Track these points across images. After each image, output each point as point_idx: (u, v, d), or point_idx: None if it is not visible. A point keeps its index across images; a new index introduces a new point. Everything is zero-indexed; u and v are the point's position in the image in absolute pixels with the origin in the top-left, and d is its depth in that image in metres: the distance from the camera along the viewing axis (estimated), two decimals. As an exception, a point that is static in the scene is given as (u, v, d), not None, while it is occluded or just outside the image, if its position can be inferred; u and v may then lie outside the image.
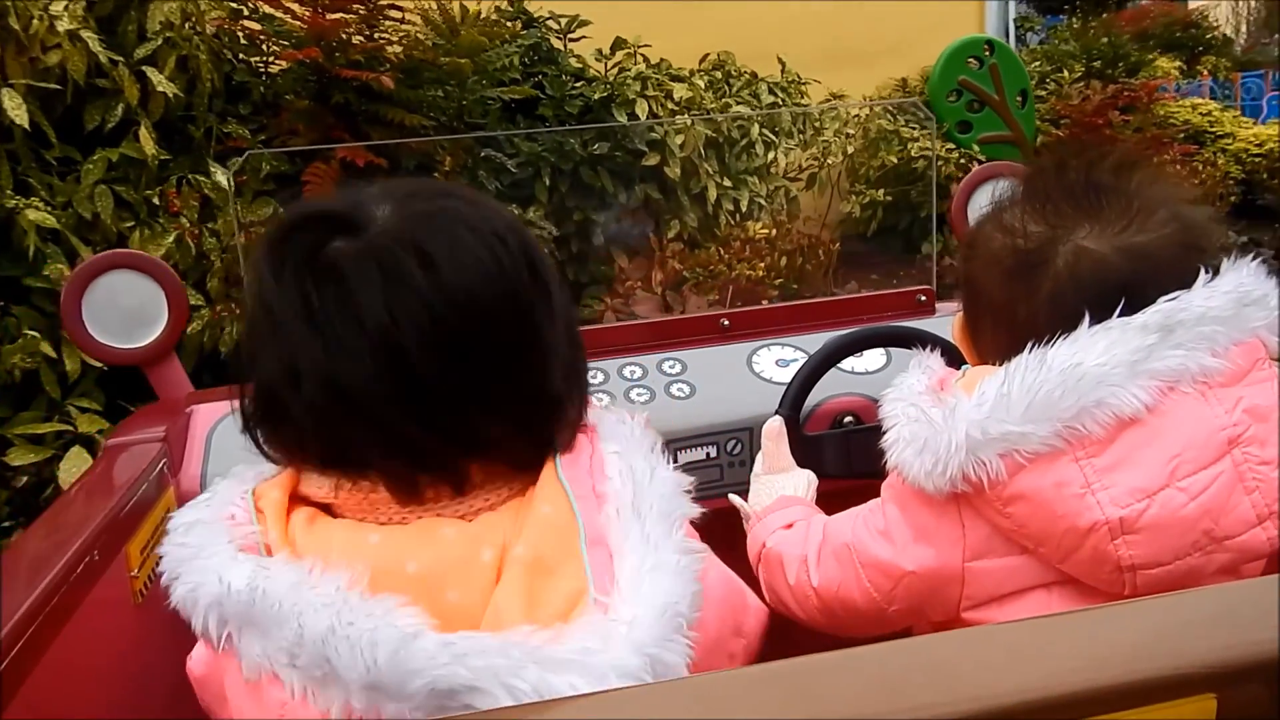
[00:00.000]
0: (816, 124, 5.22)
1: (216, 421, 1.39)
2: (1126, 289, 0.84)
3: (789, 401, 1.36)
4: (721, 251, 4.52)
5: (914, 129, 5.96)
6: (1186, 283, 0.84)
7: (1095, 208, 0.88)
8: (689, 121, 4.32)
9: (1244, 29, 12.12)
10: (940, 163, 5.68)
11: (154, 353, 1.46)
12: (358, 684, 0.65)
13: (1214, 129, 6.57)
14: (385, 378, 0.71)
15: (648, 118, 4.19)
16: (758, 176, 4.71)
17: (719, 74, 4.87)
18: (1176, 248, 0.87)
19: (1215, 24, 9.70)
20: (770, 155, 4.74)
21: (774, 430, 1.27)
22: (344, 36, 3.13)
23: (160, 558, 0.78)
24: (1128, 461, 0.81)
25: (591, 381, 1.60)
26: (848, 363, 1.51)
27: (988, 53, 5.88)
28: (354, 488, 0.74)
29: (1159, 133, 6.24)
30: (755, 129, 4.66)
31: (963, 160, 5.75)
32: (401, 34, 3.17)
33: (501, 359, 0.74)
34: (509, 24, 3.39)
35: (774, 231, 4.77)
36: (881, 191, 5.69)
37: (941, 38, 7.07)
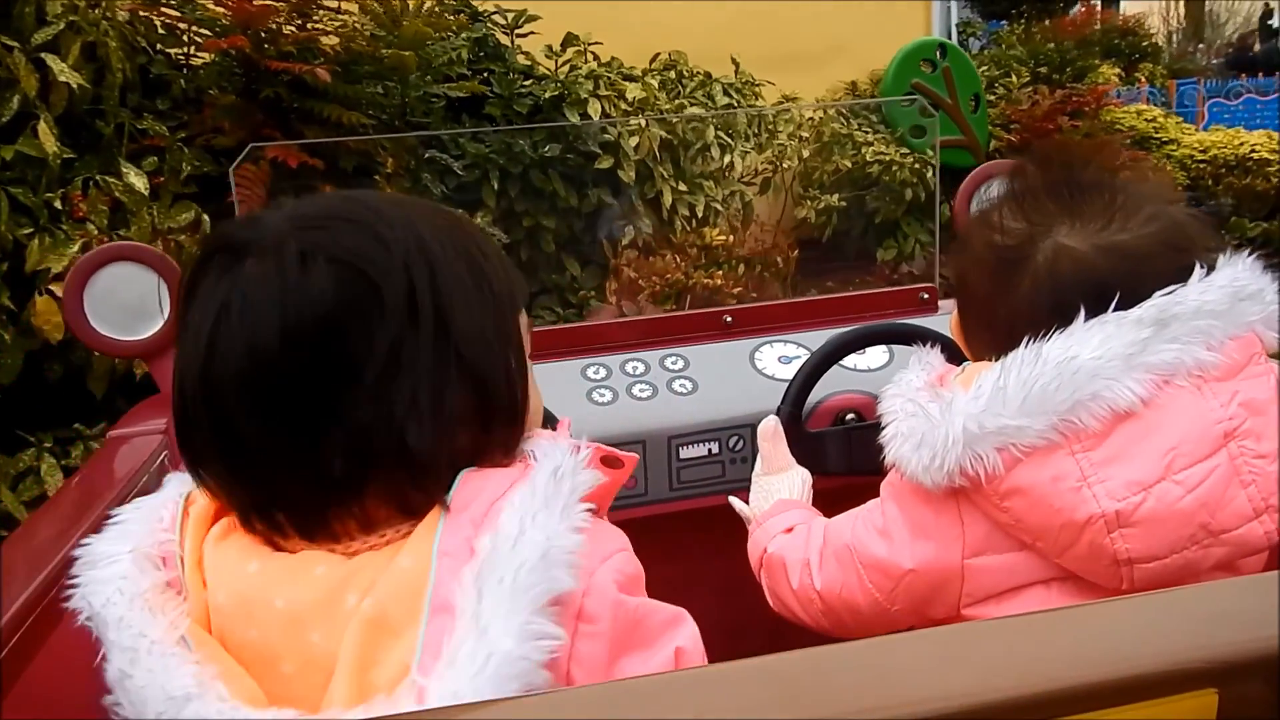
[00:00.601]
0: (771, 126, 5.05)
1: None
2: (1105, 287, 0.84)
3: (791, 398, 1.35)
4: (678, 259, 4.33)
5: (867, 133, 5.84)
6: (1168, 282, 0.84)
7: (1077, 205, 0.88)
8: (643, 123, 4.11)
9: (1174, 38, 12.34)
10: (895, 167, 5.57)
11: (156, 345, 1.44)
12: None
13: (1159, 135, 6.57)
14: (246, 387, 0.67)
15: (600, 118, 3.96)
16: (714, 181, 4.52)
17: (671, 74, 4.66)
18: (1159, 247, 0.86)
19: (1151, 31, 9.81)
20: (726, 159, 4.55)
21: (769, 430, 1.24)
22: (274, 26, 2.84)
23: None
24: (1124, 455, 0.81)
25: (594, 378, 1.51)
26: (850, 360, 1.50)
27: (940, 56, 5.79)
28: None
29: (1108, 138, 6.20)
30: (711, 131, 4.47)
31: (917, 165, 5.65)
32: (338, 24, 2.90)
33: (383, 374, 0.67)
34: (453, 17, 3.14)
35: (731, 238, 4.59)
36: (836, 196, 5.56)
37: (888, 41, 6.98)
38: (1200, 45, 13.28)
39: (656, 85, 4.37)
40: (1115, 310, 0.84)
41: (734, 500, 1.26)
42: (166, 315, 1.42)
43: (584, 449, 0.72)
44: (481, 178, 3.62)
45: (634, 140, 4.09)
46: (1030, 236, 0.89)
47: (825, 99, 6.47)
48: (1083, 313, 0.84)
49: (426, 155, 3.47)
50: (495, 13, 4.11)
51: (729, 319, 1.66)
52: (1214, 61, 12.72)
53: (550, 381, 1.42)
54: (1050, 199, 0.90)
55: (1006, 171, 1.60)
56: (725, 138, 4.59)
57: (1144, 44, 9.23)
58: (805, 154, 5.27)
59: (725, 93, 4.67)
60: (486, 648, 0.61)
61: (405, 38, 2.85)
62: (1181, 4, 12.56)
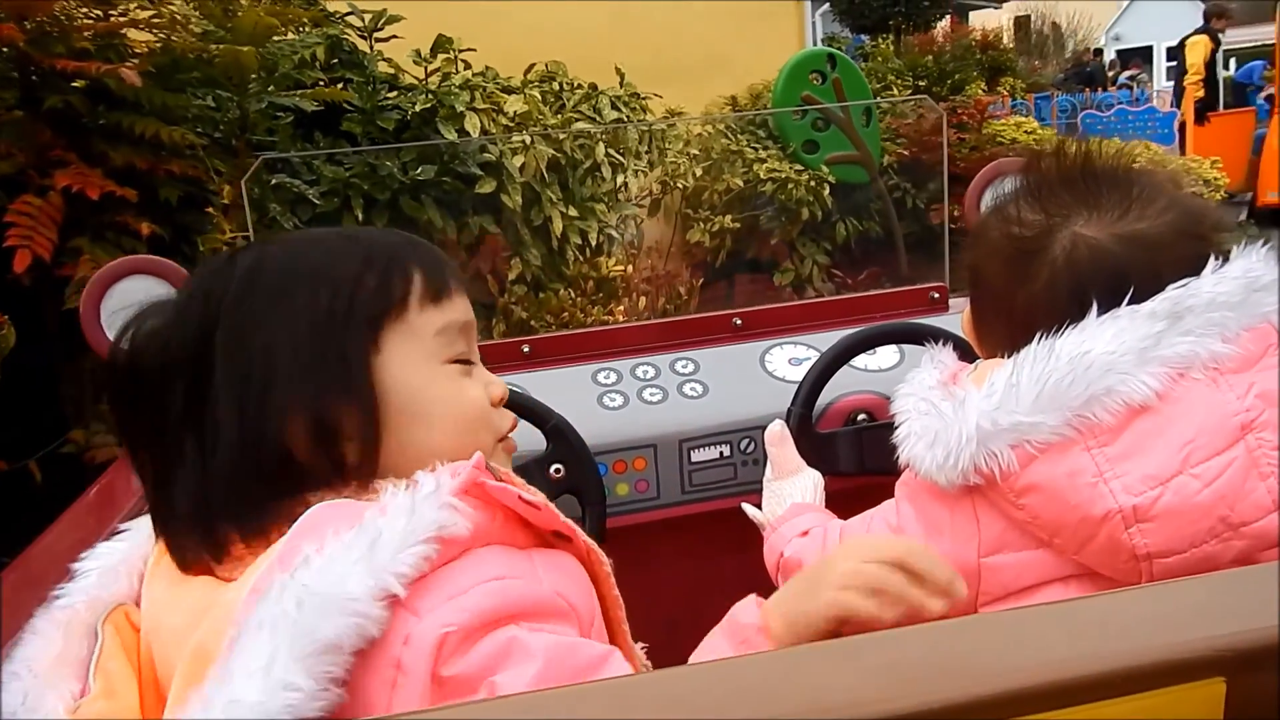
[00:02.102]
0: (661, 144, 4.61)
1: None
2: (1124, 277, 0.84)
3: (801, 399, 1.36)
4: (573, 294, 3.81)
5: (757, 149, 5.48)
6: (1186, 271, 0.84)
7: (1093, 196, 0.88)
8: (528, 139, 3.58)
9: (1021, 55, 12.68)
10: (790, 185, 5.22)
11: None
12: None
13: (1040, 146, 6.48)
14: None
15: (480, 135, 3.41)
16: (605, 204, 4.03)
17: (551, 86, 4.15)
18: (1176, 235, 0.86)
19: (1009, 47, 9.94)
20: (619, 179, 4.06)
21: (776, 435, 1.26)
22: (61, 17, 2.17)
23: None
24: (1140, 449, 0.81)
25: (605, 382, 1.51)
26: (860, 360, 1.50)
27: (830, 67, 5.48)
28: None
29: (996, 150, 6.05)
30: (601, 148, 3.97)
31: (813, 182, 5.33)
32: (151, 13, 2.24)
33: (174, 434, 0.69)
34: (304, 9, 2.53)
35: (629, 268, 4.10)
36: (729, 217, 5.17)
37: (766, 54, 6.69)
38: (1038, 61, 13.73)
39: (539, 100, 3.85)
40: (1130, 302, 0.83)
41: (747, 507, 1.24)
42: None
43: (445, 483, 0.65)
44: (342, 206, 3.01)
45: (518, 160, 3.55)
46: (1047, 228, 0.88)
47: (704, 114, 6.09)
48: (1095, 306, 0.84)
49: (274, 181, 2.84)
50: (350, 13, 3.50)
51: (738, 321, 1.65)
52: (1058, 77, 13.15)
53: (561, 387, 1.45)
54: (1066, 190, 0.89)
55: (1016, 170, 1.65)
56: (616, 155, 4.10)
57: (1004, 59, 9.32)
58: (698, 172, 4.85)
59: (613, 106, 4.18)
60: (229, 694, 0.58)
61: (242, 32, 2.22)
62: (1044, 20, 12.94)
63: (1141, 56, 18.80)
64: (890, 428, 0.94)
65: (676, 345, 1.60)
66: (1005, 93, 8.82)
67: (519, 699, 0.55)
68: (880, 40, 8.44)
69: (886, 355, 1.56)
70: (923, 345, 1.09)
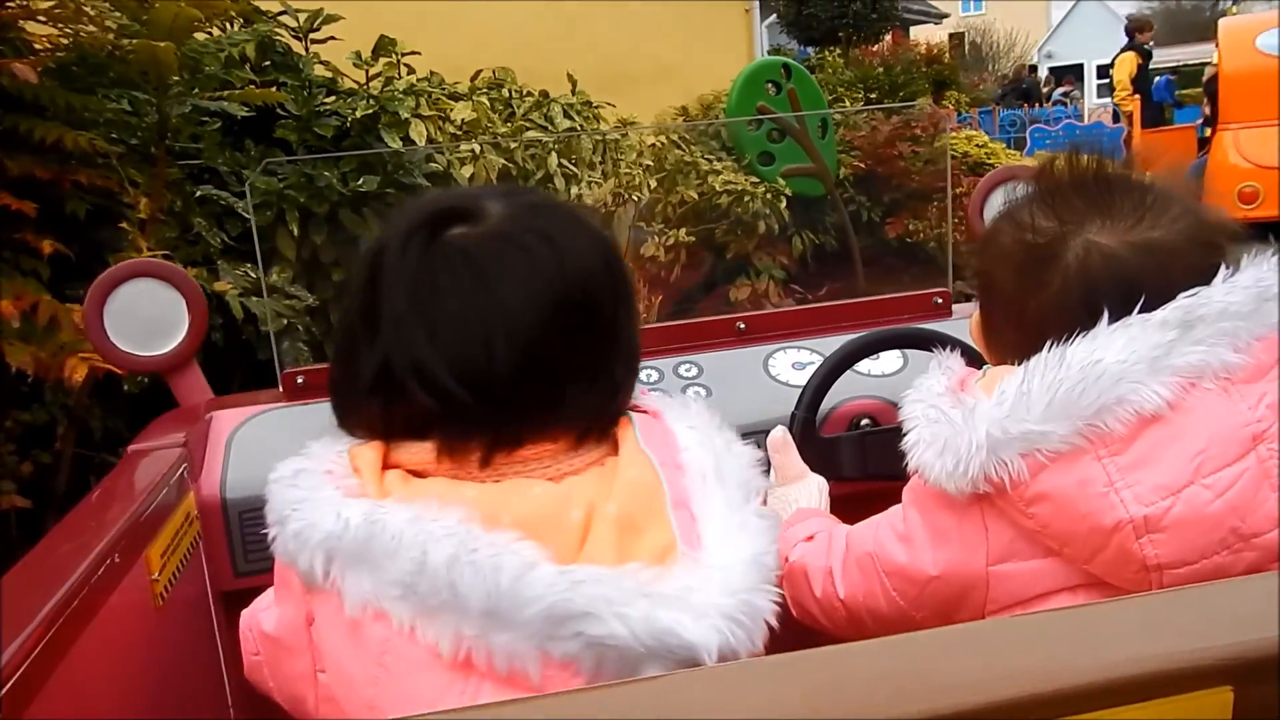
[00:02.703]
0: (615, 154, 4.41)
1: (236, 427, 1.40)
2: (1137, 284, 0.84)
3: (806, 403, 1.36)
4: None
5: (711, 160, 5.31)
6: (1199, 279, 0.84)
7: (1107, 203, 0.88)
8: (477, 148, 3.36)
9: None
10: (747, 198, 5.05)
11: (175, 360, 1.47)
12: (478, 610, 0.69)
13: (991, 160, 6.43)
14: (497, 355, 0.76)
15: (426, 144, 3.18)
16: (559, 217, 3.82)
17: (500, 93, 3.93)
18: (1190, 244, 0.86)
19: (953, 61, 9.97)
20: (573, 190, 3.86)
21: (778, 441, 1.26)
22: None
23: (190, 549, 1.14)
24: (1151, 459, 0.81)
25: None
26: (864, 365, 1.50)
27: (785, 77, 5.34)
28: (450, 452, 0.78)
29: (951, 164, 5.97)
30: (553, 158, 3.76)
31: (769, 195, 5.18)
32: (53, 3, 1.97)
33: (596, 338, 0.81)
34: (229, 1, 2.27)
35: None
36: (683, 230, 4.99)
37: (715, 64, 6.55)
38: (977, 76, 13.87)
39: (488, 107, 3.62)
40: (1142, 310, 0.83)
41: None
42: (187, 330, 1.45)
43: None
44: (276, 220, 2.75)
45: (467, 170, 3.33)
46: (1061, 234, 0.88)
47: (655, 125, 5.91)
48: (1106, 315, 0.83)
49: (197, 194, 2.57)
50: (283, 12, 3.24)
51: (742, 325, 1.65)
52: (996, 92, 13.28)
53: (565, 390, 1.52)
54: (1079, 196, 0.89)
55: (1020, 176, 1.62)
56: (569, 166, 3.89)
57: (947, 73, 9.33)
58: (652, 184, 4.66)
59: (566, 114, 3.98)
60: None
61: (159, 26, 1.97)
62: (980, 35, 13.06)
63: (1073, 74, 19.21)
64: (894, 433, 0.95)
65: (680, 349, 1.58)
66: (951, 106, 8.81)
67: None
68: (827, 52, 8.37)
69: (890, 360, 1.55)
70: (927, 351, 1.11)
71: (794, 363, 1.57)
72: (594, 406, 0.80)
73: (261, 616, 0.87)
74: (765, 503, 0.84)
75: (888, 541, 0.96)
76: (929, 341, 1.34)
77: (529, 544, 0.71)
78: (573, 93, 4.17)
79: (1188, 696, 0.54)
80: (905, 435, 0.91)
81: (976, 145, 6.51)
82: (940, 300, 1.71)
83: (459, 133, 3.40)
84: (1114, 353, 0.81)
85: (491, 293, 0.76)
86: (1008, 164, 1.89)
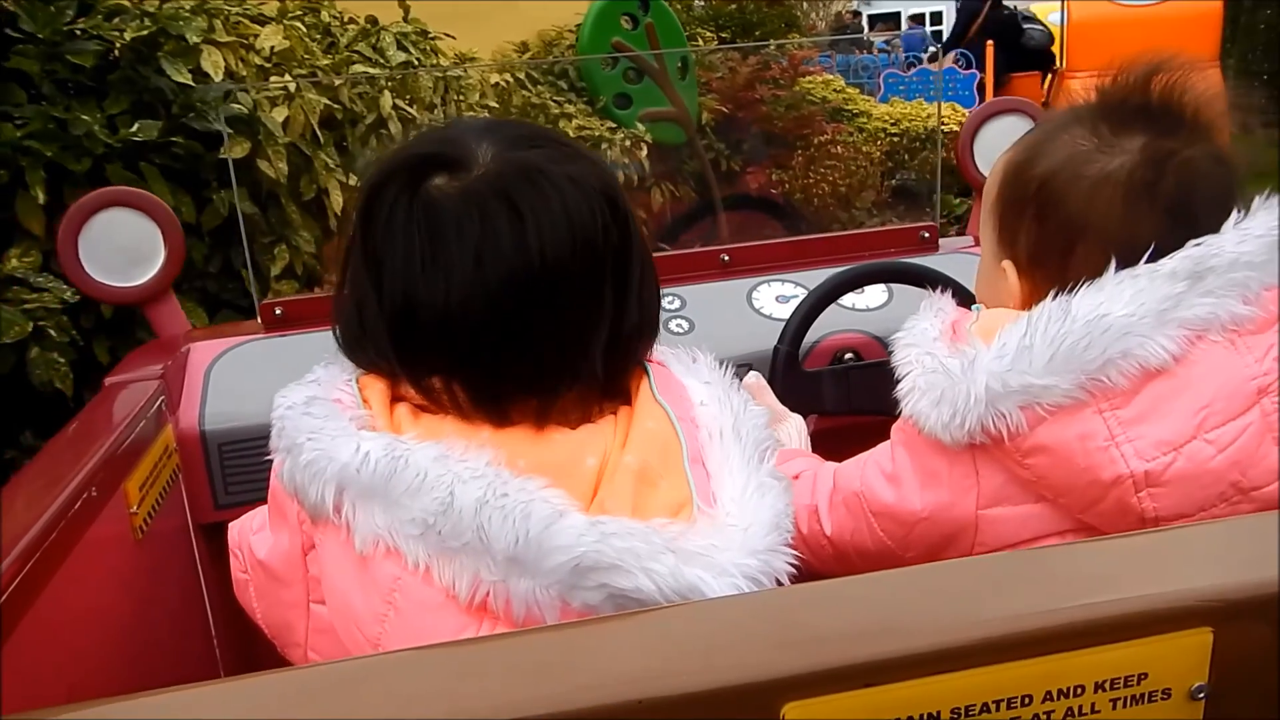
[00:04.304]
0: (457, 96, 3.76)
1: (214, 359, 1.39)
2: (1226, 196, 0.84)
3: (789, 336, 1.35)
4: (360, 289, 2.96)
5: (560, 102, 4.73)
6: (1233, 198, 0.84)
7: (1175, 118, 0.86)
8: (292, 86, 2.67)
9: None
10: (605, 146, 4.51)
11: (151, 291, 1.46)
12: (502, 555, 0.67)
13: (849, 106, 6.13)
14: (474, 314, 0.74)
15: (224, 78, 2.47)
16: (396, 171, 3.17)
17: (318, 18, 3.21)
18: (1233, 161, 0.87)
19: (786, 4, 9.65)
20: (411, 137, 3.21)
21: (753, 386, 1.25)
22: None
23: (169, 482, 1.14)
24: (1154, 413, 0.79)
25: None
26: (848, 299, 1.49)
27: (642, 10, 4.79)
28: (454, 398, 0.77)
29: (814, 109, 5.62)
30: (387, 99, 3.10)
31: (627, 143, 4.66)
32: None
33: (582, 302, 0.77)
34: None
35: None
36: (535, 184, 4.40)
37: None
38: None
39: (304, 33, 2.92)
40: (1147, 260, 0.81)
41: None
42: (164, 261, 1.43)
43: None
44: (12, 182, 2.01)
45: (280, 113, 2.63)
46: (1157, 153, 0.85)
47: (497, 62, 5.25)
48: (1114, 263, 0.82)
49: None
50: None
51: (726, 258, 1.64)
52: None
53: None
54: (1144, 114, 0.87)
55: (1012, 109, 1.71)
56: (406, 108, 3.24)
57: (792, 14, 9.01)
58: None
59: (400, 46, 3.30)
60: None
61: None
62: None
63: (890, 21, 19.44)
64: (878, 367, 1.02)
65: (663, 281, 1.64)
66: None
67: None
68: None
69: (874, 294, 1.54)
70: (914, 286, 1.24)
71: (778, 296, 1.55)
72: (586, 365, 0.78)
73: (254, 540, 0.85)
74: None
75: (875, 481, 0.94)
76: (915, 277, 1.33)
77: (558, 492, 0.70)
78: (405, 19, 3.49)
79: (1167, 637, 0.54)
80: (898, 380, 0.90)
81: (834, 90, 6.18)
82: (927, 235, 1.69)
83: (267, 66, 2.70)
84: (1121, 305, 0.79)
85: (450, 257, 0.74)
86: (995, 99, 1.87)
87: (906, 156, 5.97)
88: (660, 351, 0.87)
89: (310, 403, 0.77)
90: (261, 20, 2.78)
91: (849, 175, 5.27)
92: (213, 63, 2.42)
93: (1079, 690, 0.55)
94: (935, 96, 5.89)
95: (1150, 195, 0.84)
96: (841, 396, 1.38)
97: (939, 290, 0.96)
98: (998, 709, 0.54)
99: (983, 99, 6.75)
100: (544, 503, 0.68)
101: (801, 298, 1.38)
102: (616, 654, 0.56)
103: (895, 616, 0.55)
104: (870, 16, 20.70)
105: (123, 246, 1.43)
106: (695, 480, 0.75)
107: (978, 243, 1.20)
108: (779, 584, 0.71)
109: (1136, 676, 0.55)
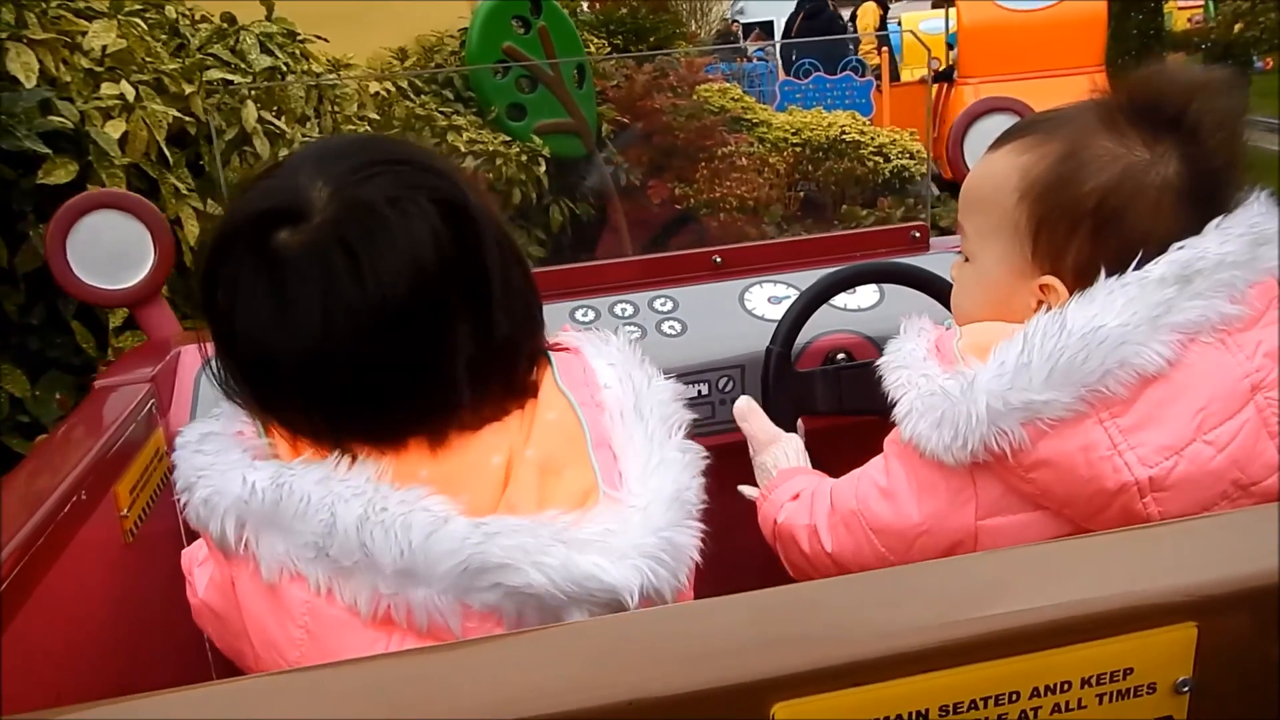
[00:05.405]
0: (332, 106, 3.30)
1: (204, 362, 1.36)
2: (1234, 197, 0.87)
3: (781, 338, 1.35)
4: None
5: (449, 113, 4.29)
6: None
7: (1195, 117, 0.87)
8: (131, 94, 2.18)
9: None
10: (499, 161, 4.10)
11: (141, 293, 1.46)
12: (390, 569, 0.68)
13: (749, 115, 5.89)
14: (325, 362, 0.73)
15: (40, 85, 1.97)
16: (264, 193, 2.70)
17: (162, 15, 2.71)
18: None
19: (675, 10, 9.45)
20: (281, 154, 2.74)
21: (743, 410, 1.25)
22: None
23: (160, 485, 1.12)
24: (1153, 419, 0.81)
25: (582, 320, 1.57)
26: (840, 300, 1.50)
27: (534, 13, 4.41)
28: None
29: (714, 119, 5.34)
30: (250, 110, 2.63)
31: (523, 157, 4.26)
32: None
33: (432, 334, 0.75)
34: None
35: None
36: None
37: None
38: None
39: (145, 31, 2.43)
40: (1138, 265, 0.83)
41: (743, 489, 1.21)
42: (153, 263, 1.43)
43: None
44: None
45: (116, 128, 2.15)
46: (1185, 161, 0.86)
47: (370, 68, 4.77)
48: (1104, 273, 0.83)
49: None
50: None
51: (718, 259, 1.65)
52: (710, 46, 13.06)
53: (539, 325, 1.44)
54: (1162, 117, 0.87)
55: (998, 109, 1.69)
56: (273, 121, 2.77)
57: (676, 23, 8.77)
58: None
59: (264, 49, 2.83)
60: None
61: None
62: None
63: (763, 31, 19.59)
64: (870, 369, 0.96)
65: (656, 283, 1.58)
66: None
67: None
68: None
69: (866, 295, 1.54)
70: (906, 287, 1.31)
71: (770, 297, 1.55)
72: (449, 397, 0.76)
73: (197, 573, 0.87)
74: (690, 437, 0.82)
75: (871, 498, 0.95)
76: (909, 278, 1.34)
77: (439, 499, 0.70)
78: (269, 18, 3.02)
79: (1152, 632, 0.55)
80: (893, 404, 0.89)
81: (732, 99, 5.93)
82: (918, 235, 1.69)
83: (99, 70, 2.21)
84: (1114, 315, 0.80)
85: (297, 311, 0.73)
86: (985, 97, 1.68)
87: (810, 167, 5.75)
88: (575, 336, 0.88)
89: (204, 439, 0.78)
90: (90, 15, 2.28)
91: (757, 188, 5.00)
92: (24, 65, 1.94)
93: (1065, 686, 0.56)
94: (928, 106, 5.69)
95: (1199, 203, 0.86)
96: (834, 397, 1.38)
97: (922, 298, 0.99)
98: (985, 706, 0.55)
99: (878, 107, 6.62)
100: (424, 512, 0.69)
101: (794, 299, 1.38)
102: (607, 655, 0.56)
103: (883, 616, 0.56)
104: (744, 25, 20.84)
105: (112, 249, 1.42)
106: (600, 465, 0.75)
107: None
108: (691, 562, 0.73)
109: (1122, 672, 0.56)
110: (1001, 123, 1.67)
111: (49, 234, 1.40)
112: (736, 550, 1.16)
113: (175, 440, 0.80)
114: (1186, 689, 0.57)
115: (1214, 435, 0.80)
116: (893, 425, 0.92)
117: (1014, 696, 0.55)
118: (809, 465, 1.17)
